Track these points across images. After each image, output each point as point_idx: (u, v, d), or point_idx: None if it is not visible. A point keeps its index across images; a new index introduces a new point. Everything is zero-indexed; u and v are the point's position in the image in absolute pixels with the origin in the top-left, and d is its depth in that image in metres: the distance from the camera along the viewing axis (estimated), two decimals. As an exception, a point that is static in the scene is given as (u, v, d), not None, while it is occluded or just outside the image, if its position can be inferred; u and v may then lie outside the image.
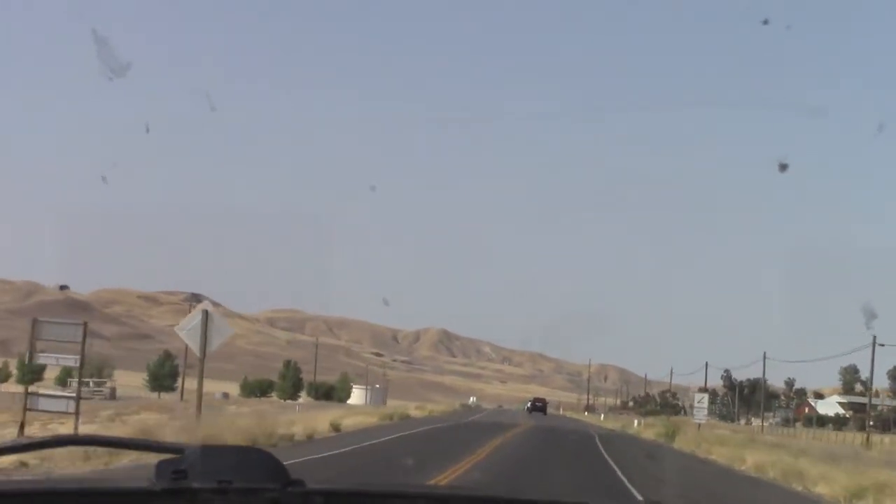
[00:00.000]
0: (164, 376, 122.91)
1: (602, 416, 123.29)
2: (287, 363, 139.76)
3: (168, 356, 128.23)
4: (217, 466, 2.78)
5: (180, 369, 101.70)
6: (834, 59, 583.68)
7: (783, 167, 14.90)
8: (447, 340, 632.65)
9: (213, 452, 2.85)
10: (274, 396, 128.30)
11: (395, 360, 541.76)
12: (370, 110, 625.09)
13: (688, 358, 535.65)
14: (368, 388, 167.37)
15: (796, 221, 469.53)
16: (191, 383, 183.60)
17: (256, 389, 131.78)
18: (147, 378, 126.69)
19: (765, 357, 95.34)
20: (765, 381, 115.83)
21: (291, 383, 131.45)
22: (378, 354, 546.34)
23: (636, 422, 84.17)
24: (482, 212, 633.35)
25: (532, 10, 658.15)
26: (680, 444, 51.17)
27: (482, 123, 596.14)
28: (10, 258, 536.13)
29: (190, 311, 29.48)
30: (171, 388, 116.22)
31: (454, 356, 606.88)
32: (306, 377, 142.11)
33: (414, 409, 77.53)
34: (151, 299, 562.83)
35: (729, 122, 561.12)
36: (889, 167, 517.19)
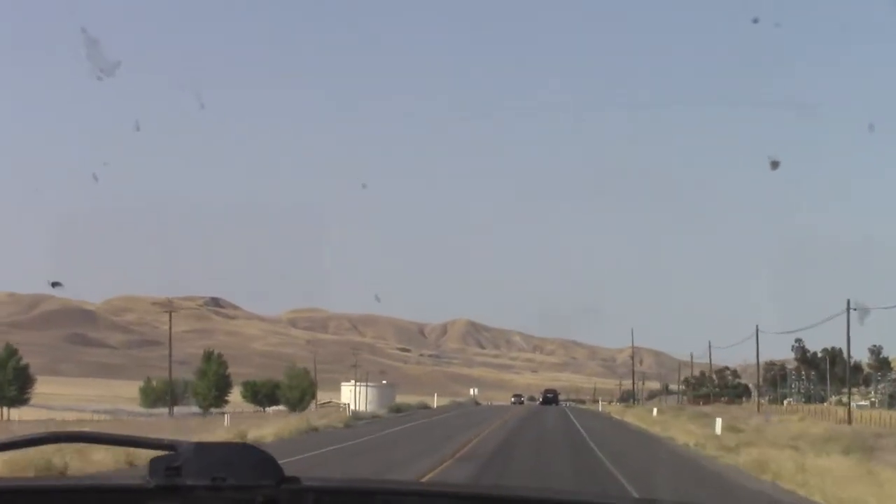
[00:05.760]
0: (5, 384, 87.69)
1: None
2: (208, 355, 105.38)
3: (12, 353, 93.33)
4: (211, 463, 2.73)
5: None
6: (826, 57, 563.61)
7: (775, 164, 16.91)
8: (475, 332, 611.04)
9: (206, 449, 2.80)
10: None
11: (421, 355, 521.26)
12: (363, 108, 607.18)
13: (717, 336, 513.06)
14: (369, 385, 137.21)
15: (793, 212, 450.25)
16: (56, 388, 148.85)
17: (165, 395, 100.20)
18: None
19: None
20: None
21: (214, 383, 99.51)
22: (404, 350, 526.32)
23: None
24: (506, 200, 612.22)
25: (525, 6, 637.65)
26: None
27: (484, 118, 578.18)
28: (14, 269, 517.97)
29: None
30: (22, 402, 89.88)
31: (483, 348, 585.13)
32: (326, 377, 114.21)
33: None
34: (166, 306, 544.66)
35: (721, 120, 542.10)
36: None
